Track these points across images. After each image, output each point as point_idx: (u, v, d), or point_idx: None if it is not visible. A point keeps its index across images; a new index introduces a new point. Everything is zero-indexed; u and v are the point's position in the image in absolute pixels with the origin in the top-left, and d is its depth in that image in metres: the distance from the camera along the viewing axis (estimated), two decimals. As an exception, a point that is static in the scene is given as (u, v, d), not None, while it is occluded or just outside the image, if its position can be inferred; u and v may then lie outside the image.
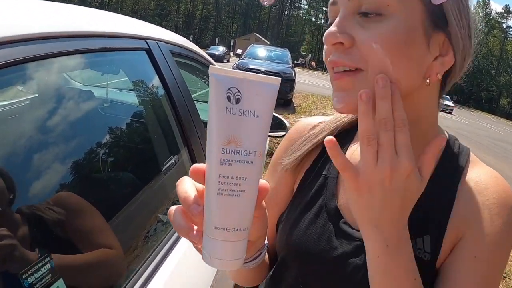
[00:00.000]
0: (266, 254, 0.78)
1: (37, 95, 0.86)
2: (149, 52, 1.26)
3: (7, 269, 0.63)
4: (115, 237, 0.90)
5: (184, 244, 1.12)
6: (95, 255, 0.83)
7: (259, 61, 12.04)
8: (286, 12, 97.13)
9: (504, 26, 77.61)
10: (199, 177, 0.44)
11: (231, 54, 40.87)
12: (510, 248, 0.59)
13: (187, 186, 0.46)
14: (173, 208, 0.47)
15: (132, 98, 1.38)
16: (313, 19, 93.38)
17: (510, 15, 78.48)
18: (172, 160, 1.28)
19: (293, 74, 11.50)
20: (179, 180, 0.48)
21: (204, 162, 0.43)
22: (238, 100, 0.41)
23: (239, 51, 20.24)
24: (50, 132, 0.81)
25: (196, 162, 1.33)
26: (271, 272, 0.76)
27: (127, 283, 0.89)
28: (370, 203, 0.52)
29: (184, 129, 1.35)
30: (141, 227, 1.07)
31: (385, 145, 0.49)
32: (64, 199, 0.78)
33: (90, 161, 0.92)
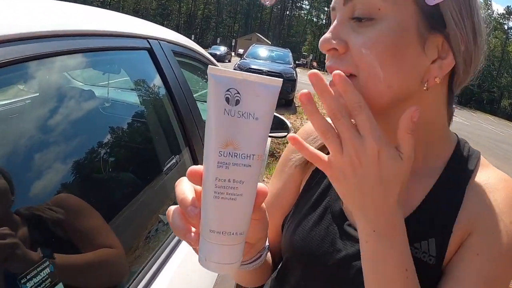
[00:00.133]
0: (269, 255, 0.78)
1: (37, 94, 0.86)
2: (151, 51, 1.26)
3: (9, 269, 0.63)
4: (116, 237, 0.89)
5: (187, 245, 1.12)
6: (97, 254, 0.82)
7: (261, 61, 12.04)
8: (287, 12, 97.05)
9: (506, 27, 77.41)
10: (197, 179, 0.44)
11: (233, 54, 40.80)
12: None
13: (185, 188, 0.46)
14: (171, 208, 0.47)
15: (133, 98, 1.38)
16: (314, 19, 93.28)
17: (511, 16, 78.37)
18: (174, 160, 1.28)
19: (295, 74, 11.50)
20: (177, 181, 0.47)
21: (206, 163, 0.43)
22: (237, 102, 0.40)
23: (241, 51, 20.24)
24: (50, 131, 0.81)
25: (198, 162, 1.34)
26: (275, 273, 0.76)
27: (130, 285, 0.89)
28: (349, 190, 0.51)
29: (185, 129, 1.35)
30: (142, 228, 1.06)
31: (342, 134, 0.49)
32: (63, 200, 0.78)
33: (91, 161, 0.92)
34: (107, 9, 1.26)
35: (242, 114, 0.40)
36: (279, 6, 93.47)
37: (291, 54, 13.44)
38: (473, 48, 0.56)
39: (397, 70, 0.52)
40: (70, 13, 0.93)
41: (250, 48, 13.52)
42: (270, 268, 0.78)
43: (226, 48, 37.29)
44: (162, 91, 1.32)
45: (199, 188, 0.45)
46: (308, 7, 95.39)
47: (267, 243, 0.58)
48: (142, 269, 0.95)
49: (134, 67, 1.33)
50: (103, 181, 1.00)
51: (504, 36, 75.13)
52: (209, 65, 0.41)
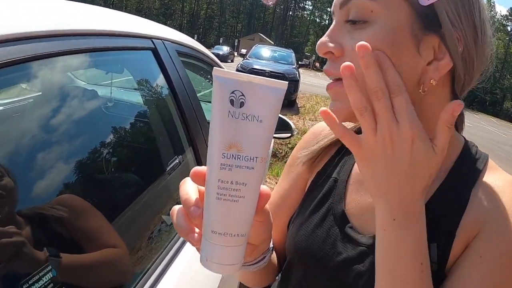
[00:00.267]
0: (275, 255, 0.78)
1: (40, 93, 0.86)
2: (155, 51, 1.26)
3: (16, 267, 0.63)
4: (119, 237, 0.89)
5: (191, 246, 1.11)
6: (101, 254, 0.83)
7: (264, 61, 12.05)
8: (290, 13, 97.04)
9: (509, 28, 77.17)
10: (200, 180, 0.44)
11: (235, 54, 40.86)
12: None
13: (188, 188, 0.46)
14: (175, 208, 0.47)
15: (137, 98, 1.38)
16: (317, 19, 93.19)
17: (515, 18, 78.12)
18: (177, 160, 1.28)
19: (298, 75, 11.50)
20: (182, 181, 0.48)
21: (209, 163, 0.43)
22: (242, 104, 0.40)
23: (243, 51, 20.25)
24: (53, 131, 0.81)
25: (201, 163, 1.34)
26: (280, 274, 0.76)
27: (136, 285, 0.89)
28: (375, 173, 0.50)
29: (189, 129, 1.35)
30: (146, 228, 1.06)
31: (380, 114, 0.48)
32: (67, 200, 0.78)
33: (94, 161, 0.92)
34: (111, 8, 1.26)
35: (246, 117, 0.40)
36: (282, 7, 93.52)
37: (294, 54, 13.45)
38: (474, 48, 0.54)
39: None
40: (74, 13, 0.93)
41: (253, 48, 13.54)
42: (275, 269, 0.77)
43: (229, 48, 37.24)
44: (166, 91, 1.32)
45: (202, 188, 0.45)
46: (311, 7, 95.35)
47: (271, 245, 0.58)
48: (148, 269, 0.95)
49: (138, 67, 1.33)
50: (106, 181, 1.00)
51: (507, 38, 74.93)
52: (214, 67, 0.41)
